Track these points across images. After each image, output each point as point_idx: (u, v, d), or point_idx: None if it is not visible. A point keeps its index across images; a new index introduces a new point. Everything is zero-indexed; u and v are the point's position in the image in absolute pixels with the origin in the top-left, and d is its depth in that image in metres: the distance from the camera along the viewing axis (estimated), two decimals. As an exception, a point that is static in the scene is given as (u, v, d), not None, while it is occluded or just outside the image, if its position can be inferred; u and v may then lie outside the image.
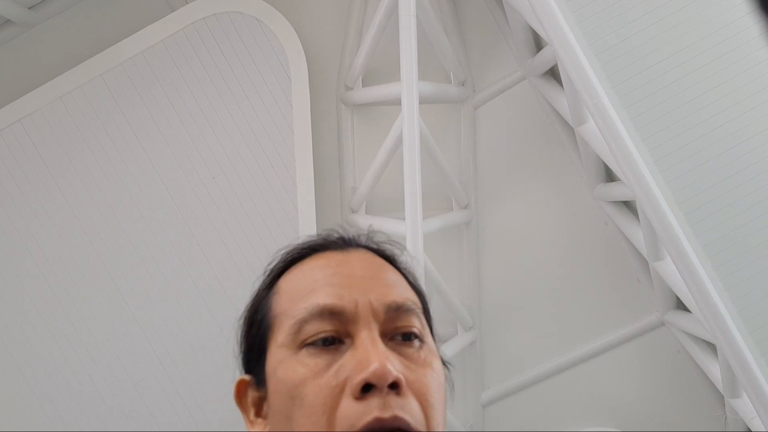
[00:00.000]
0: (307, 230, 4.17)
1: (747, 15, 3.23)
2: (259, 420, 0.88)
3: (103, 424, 4.18)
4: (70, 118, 4.19)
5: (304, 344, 0.82)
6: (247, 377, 0.90)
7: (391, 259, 0.93)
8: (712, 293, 3.30)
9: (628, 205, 4.21)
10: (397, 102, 3.93)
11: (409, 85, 3.81)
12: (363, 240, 0.93)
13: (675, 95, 3.39)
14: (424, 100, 3.96)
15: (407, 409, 0.78)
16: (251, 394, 0.89)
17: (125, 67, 4.18)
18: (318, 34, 4.40)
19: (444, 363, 0.91)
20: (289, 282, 0.89)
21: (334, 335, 0.82)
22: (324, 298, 0.84)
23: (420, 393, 0.81)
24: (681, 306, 4.18)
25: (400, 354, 0.83)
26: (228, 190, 4.20)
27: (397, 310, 0.85)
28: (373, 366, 0.78)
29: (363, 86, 4.39)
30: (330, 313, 0.83)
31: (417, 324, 0.86)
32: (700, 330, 3.88)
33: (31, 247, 4.17)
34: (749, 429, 3.90)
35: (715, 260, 3.34)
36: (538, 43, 4.24)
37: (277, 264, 0.92)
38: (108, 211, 4.18)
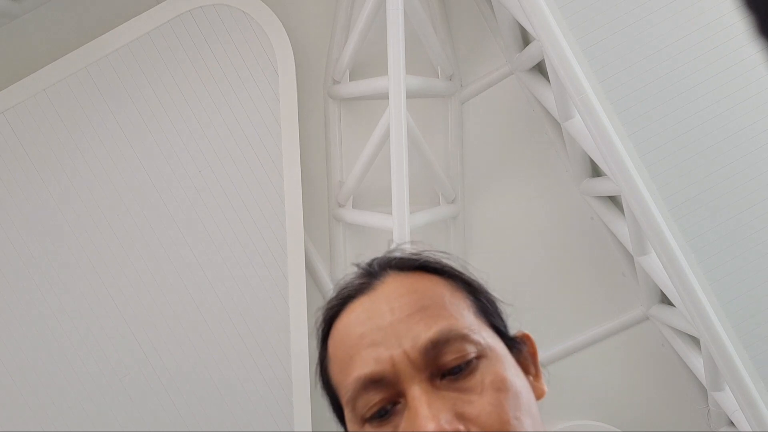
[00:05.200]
0: (294, 224, 4.16)
1: (735, 11, 3.25)
2: None
3: (89, 420, 4.16)
4: (54, 111, 4.15)
5: (364, 419, 0.82)
6: None
7: (425, 267, 0.89)
8: (696, 288, 3.33)
9: (614, 200, 4.23)
10: (384, 96, 3.92)
11: (396, 80, 3.81)
12: (389, 260, 0.89)
13: (662, 91, 3.41)
14: (411, 95, 3.96)
15: None
16: None
17: (110, 60, 4.15)
18: (305, 27, 4.38)
19: (514, 345, 0.88)
20: (333, 347, 0.87)
21: (385, 404, 0.80)
22: (361, 368, 0.81)
23: (489, 424, 0.78)
24: (665, 300, 4.21)
25: (458, 389, 0.79)
26: (214, 184, 4.18)
27: (436, 347, 0.80)
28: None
29: (350, 80, 4.38)
30: (372, 382, 0.80)
31: (463, 347, 0.81)
32: (684, 324, 3.91)
33: (15, 240, 4.13)
34: (731, 422, 3.95)
35: (700, 255, 3.37)
36: (525, 39, 4.25)
37: (321, 325, 0.90)
38: (93, 204, 4.15)
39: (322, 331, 0.90)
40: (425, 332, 0.81)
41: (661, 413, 4.48)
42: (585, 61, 3.40)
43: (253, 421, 4.19)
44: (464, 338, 0.81)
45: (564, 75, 3.37)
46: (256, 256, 4.17)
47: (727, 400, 3.72)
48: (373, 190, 4.34)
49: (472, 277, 0.91)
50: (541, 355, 1.03)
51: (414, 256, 0.90)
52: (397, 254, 0.90)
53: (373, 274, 0.89)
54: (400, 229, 3.80)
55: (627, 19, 3.42)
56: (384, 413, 0.80)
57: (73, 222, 4.14)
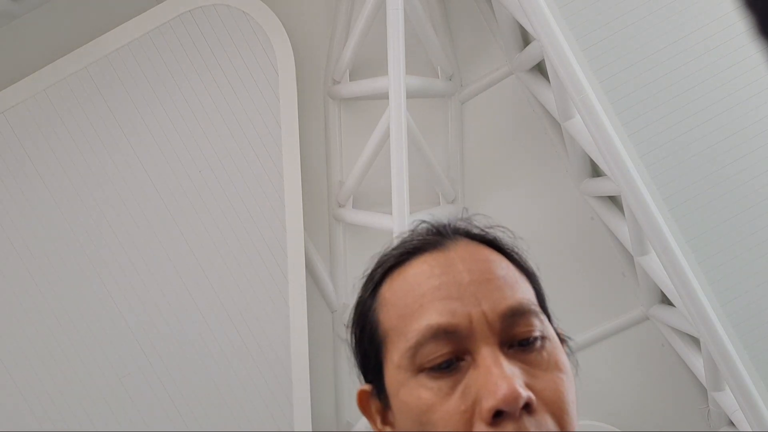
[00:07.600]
0: (294, 224, 4.16)
1: (734, 10, 3.25)
2: (388, 428, 0.86)
3: (89, 420, 4.16)
4: (54, 111, 4.15)
5: (422, 368, 0.79)
6: (367, 387, 0.88)
7: (494, 243, 0.88)
8: (696, 288, 3.33)
9: (614, 200, 4.23)
10: (384, 96, 3.92)
11: (396, 80, 3.81)
12: (461, 226, 0.88)
13: (662, 91, 3.41)
14: (411, 95, 3.96)
15: (543, 426, 0.76)
16: (374, 404, 0.87)
17: (110, 60, 4.15)
18: (305, 27, 4.38)
19: (563, 339, 0.88)
20: (393, 293, 0.84)
21: (452, 356, 0.79)
22: (436, 316, 0.79)
23: (551, 401, 0.78)
24: (665, 300, 4.21)
25: (524, 362, 0.79)
26: (214, 184, 4.18)
27: (513, 316, 0.80)
28: (502, 392, 0.74)
29: (350, 80, 4.38)
30: (444, 333, 0.79)
31: (535, 322, 0.81)
32: (684, 324, 3.91)
33: (15, 240, 4.13)
34: (731, 421, 3.95)
35: (699, 255, 3.37)
36: (525, 39, 4.25)
37: (376, 270, 0.88)
38: (93, 204, 4.15)
39: (378, 275, 0.87)
40: (505, 300, 0.81)
41: (661, 413, 4.48)
42: (585, 61, 3.40)
43: (253, 421, 4.19)
44: (536, 315, 0.82)
45: (564, 75, 3.37)
46: (256, 256, 4.17)
47: (727, 400, 3.72)
48: (373, 190, 4.34)
49: (531, 266, 0.91)
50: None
51: (485, 231, 0.89)
52: (469, 226, 0.90)
53: (444, 234, 0.87)
54: (400, 230, 3.80)
55: (627, 19, 3.42)
56: (446, 366, 0.78)
57: (73, 222, 4.14)
